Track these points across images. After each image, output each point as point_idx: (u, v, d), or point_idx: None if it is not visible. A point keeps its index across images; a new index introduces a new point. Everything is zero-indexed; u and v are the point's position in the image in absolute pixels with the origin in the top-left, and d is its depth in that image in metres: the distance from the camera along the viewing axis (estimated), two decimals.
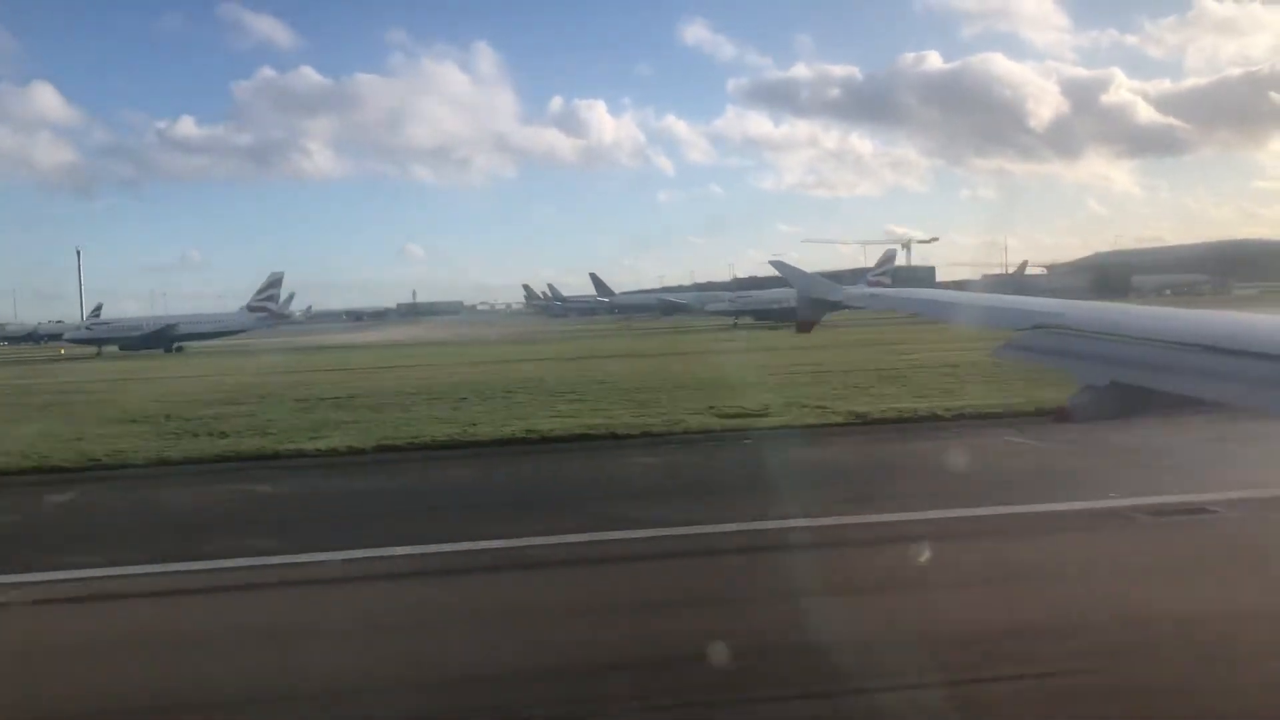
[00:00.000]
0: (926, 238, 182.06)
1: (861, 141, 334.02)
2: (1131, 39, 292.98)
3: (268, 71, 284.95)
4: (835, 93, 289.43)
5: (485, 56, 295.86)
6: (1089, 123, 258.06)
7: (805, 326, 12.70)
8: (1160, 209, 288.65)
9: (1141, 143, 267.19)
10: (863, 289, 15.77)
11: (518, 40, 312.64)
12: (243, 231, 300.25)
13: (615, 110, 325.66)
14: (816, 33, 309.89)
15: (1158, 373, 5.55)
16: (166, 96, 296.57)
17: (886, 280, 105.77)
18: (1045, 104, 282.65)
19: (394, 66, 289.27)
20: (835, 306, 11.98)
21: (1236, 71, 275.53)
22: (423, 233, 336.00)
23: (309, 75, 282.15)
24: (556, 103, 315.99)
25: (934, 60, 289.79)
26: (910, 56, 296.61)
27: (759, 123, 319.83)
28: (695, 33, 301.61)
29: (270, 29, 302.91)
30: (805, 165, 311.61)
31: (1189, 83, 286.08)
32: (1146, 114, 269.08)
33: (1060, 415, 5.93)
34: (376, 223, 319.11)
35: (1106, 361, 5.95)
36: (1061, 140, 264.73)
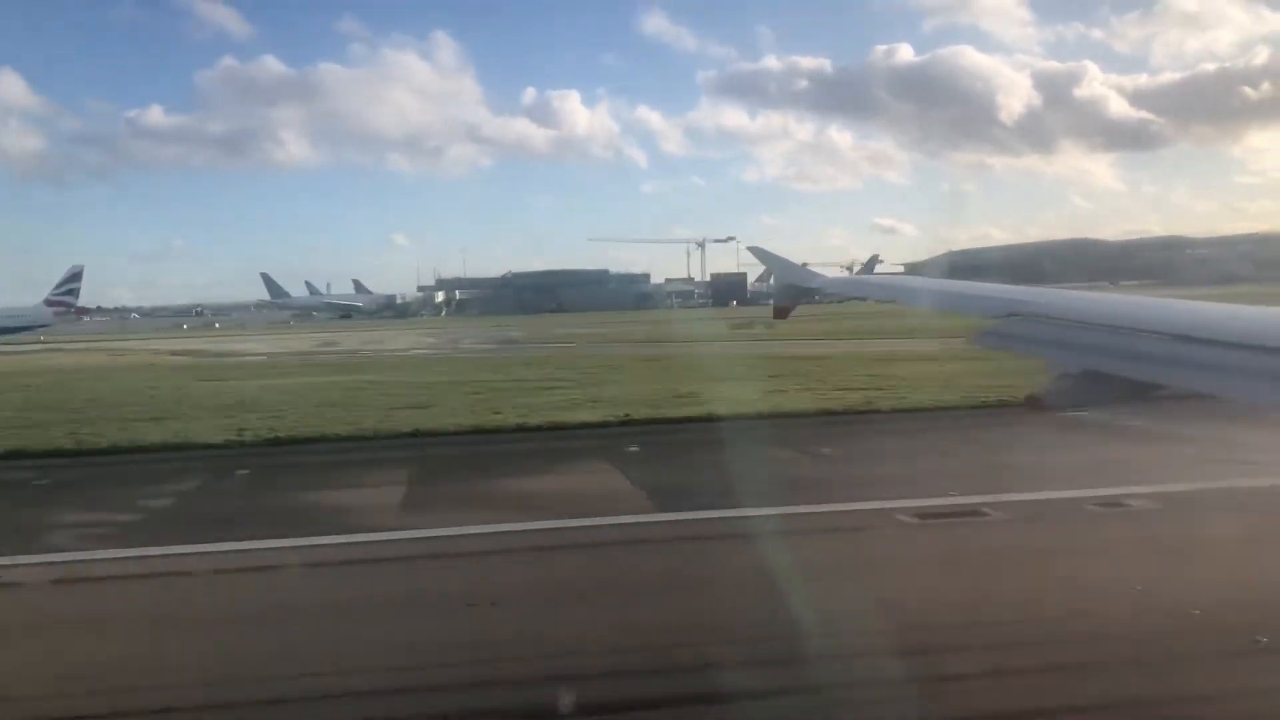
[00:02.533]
0: (724, 237, 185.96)
1: (840, 135, 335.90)
2: (1097, 33, 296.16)
3: (229, 61, 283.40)
4: (807, 85, 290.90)
5: (447, 47, 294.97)
6: (1063, 116, 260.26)
7: (781, 313, 12.60)
8: (1143, 203, 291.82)
9: (1117, 137, 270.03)
10: (840, 275, 15.72)
11: (479, 31, 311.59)
12: (218, 222, 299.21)
13: (589, 101, 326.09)
14: (774, 23, 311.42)
15: (1132, 361, 5.54)
16: (131, 86, 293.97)
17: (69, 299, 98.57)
18: (1018, 97, 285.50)
19: (355, 56, 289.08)
20: (811, 294, 11.89)
21: (1210, 67, 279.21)
22: (400, 223, 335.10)
23: (271, 65, 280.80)
24: (530, 94, 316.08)
25: (905, 53, 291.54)
26: (881, 49, 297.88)
27: (734, 115, 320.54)
28: (655, 23, 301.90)
29: (223, 17, 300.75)
30: (785, 158, 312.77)
31: (1164, 77, 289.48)
32: (1120, 108, 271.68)
33: (1033, 403, 5.90)
34: (352, 213, 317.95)
35: (1081, 349, 5.94)
36: (1036, 134, 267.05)
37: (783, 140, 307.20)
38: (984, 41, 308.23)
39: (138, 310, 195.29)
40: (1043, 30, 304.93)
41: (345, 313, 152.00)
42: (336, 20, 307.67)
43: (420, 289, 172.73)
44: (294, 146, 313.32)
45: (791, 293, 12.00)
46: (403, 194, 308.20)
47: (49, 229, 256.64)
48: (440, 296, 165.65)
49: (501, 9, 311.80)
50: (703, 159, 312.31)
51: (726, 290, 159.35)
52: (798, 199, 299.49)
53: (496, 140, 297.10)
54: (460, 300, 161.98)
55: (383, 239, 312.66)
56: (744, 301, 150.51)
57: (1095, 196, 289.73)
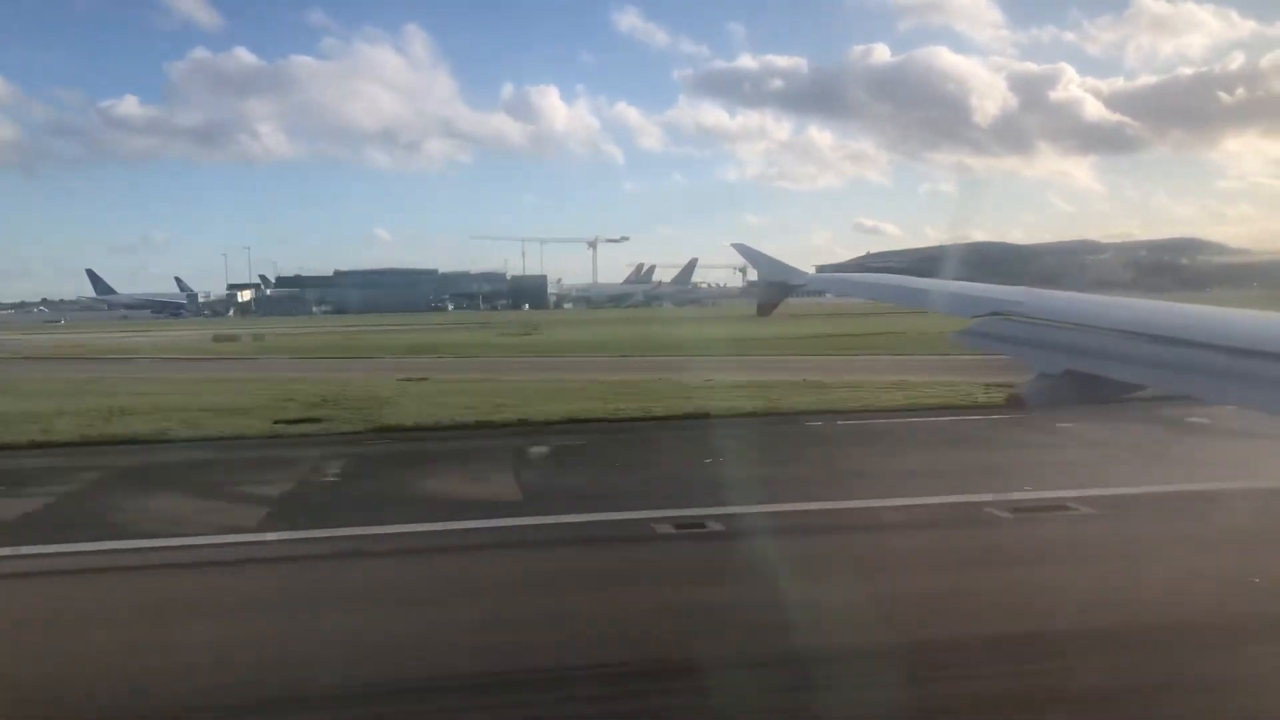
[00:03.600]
0: (618, 237, 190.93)
1: (821, 134, 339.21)
2: (1070, 36, 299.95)
3: (201, 53, 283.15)
4: (785, 85, 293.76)
5: (420, 40, 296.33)
6: (1039, 118, 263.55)
7: (765, 310, 12.55)
8: (1124, 206, 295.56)
9: (1094, 140, 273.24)
10: (826, 274, 15.60)
11: (452, 25, 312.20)
12: (196, 213, 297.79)
13: (568, 98, 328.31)
14: (747, 22, 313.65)
15: (1112, 361, 5.50)
16: (102, 78, 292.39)
17: None
18: (995, 99, 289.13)
19: (328, 49, 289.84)
20: (795, 291, 11.84)
21: (1186, 71, 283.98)
22: (378, 217, 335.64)
23: (243, 57, 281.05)
24: (508, 90, 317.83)
25: (882, 53, 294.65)
26: (859, 49, 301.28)
27: (714, 113, 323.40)
28: (629, 21, 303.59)
29: (192, 8, 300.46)
30: (766, 157, 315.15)
31: (1140, 81, 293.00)
32: (1097, 111, 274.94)
33: (1014, 402, 5.86)
34: (328, 205, 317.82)
35: (1062, 349, 5.89)
36: (1013, 135, 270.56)
37: (763, 139, 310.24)
38: (957, 43, 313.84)
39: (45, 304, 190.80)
40: (1016, 33, 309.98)
41: (175, 311, 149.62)
42: (306, 12, 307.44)
43: (230, 287, 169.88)
44: (270, 139, 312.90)
45: (775, 290, 11.95)
46: (380, 187, 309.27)
47: (22, 220, 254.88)
48: (247, 295, 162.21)
49: (473, 3, 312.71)
50: (684, 156, 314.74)
51: (524, 293, 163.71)
52: (781, 198, 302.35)
53: (474, 135, 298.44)
54: (272, 299, 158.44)
55: (363, 232, 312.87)
56: (540, 305, 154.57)
57: (1077, 199, 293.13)
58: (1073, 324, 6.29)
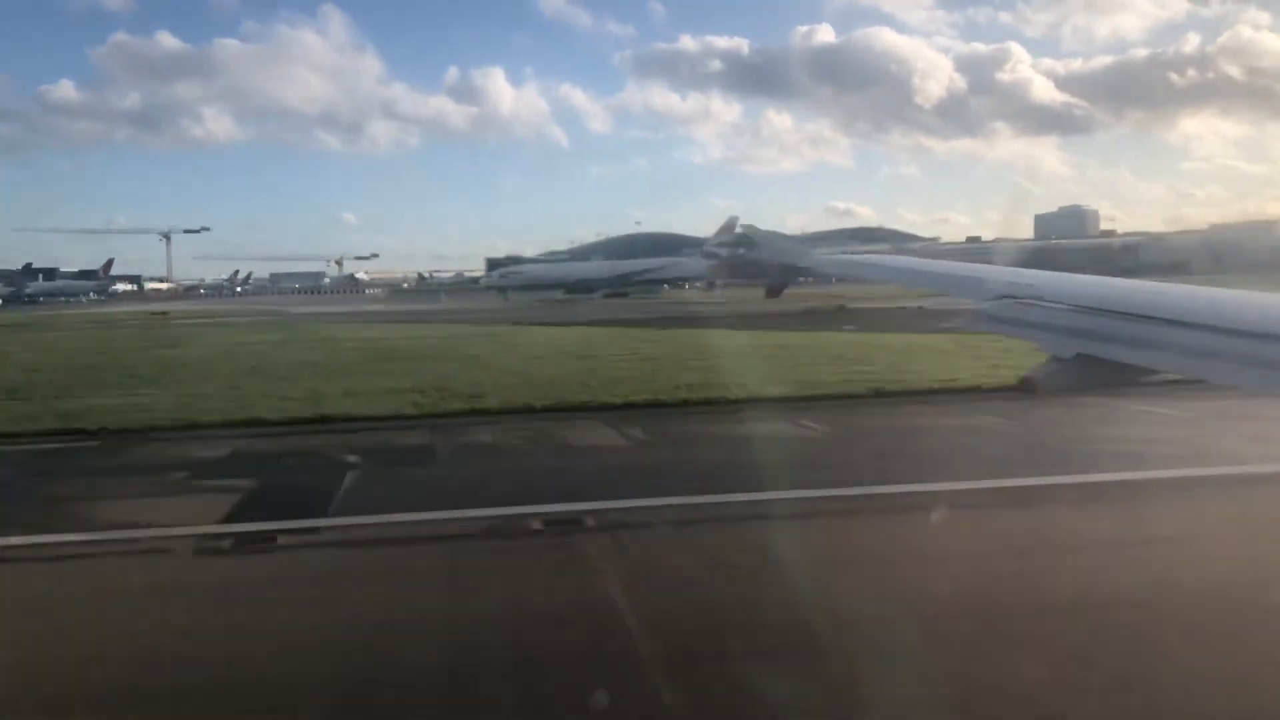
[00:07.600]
0: (197, 228, 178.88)
1: (779, 117, 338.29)
2: (1005, 17, 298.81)
3: (121, 36, 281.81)
4: (726, 66, 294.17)
5: (336, 20, 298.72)
6: (991, 100, 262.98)
7: (775, 291, 12.51)
8: (1092, 188, 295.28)
9: (1049, 121, 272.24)
10: (835, 255, 15.40)
11: (377, 10, 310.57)
12: (149, 198, 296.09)
13: (516, 80, 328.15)
14: (669, 2, 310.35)
15: (1125, 346, 5.45)
16: (28, 62, 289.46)
17: None
18: (940, 80, 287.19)
19: (249, 33, 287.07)
20: (804, 272, 11.79)
21: (1141, 53, 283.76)
22: (335, 203, 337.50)
23: (167, 41, 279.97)
24: (453, 73, 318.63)
25: (825, 34, 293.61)
26: (801, 30, 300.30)
27: (665, 97, 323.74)
28: (550, 3, 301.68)
29: None
30: (724, 140, 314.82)
31: (1095, 61, 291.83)
32: (1047, 92, 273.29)
33: (1025, 387, 5.82)
34: (280, 191, 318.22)
35: (1074, 333, 5.84)
36: (968, 116, 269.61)
37: (719, 122, 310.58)
38: (890, 23, 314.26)
39: None
40: (951, 14, 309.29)
41: None
42: None
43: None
44: (213, 123, 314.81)
45: (783, 272, 11.89)
46: (331, 174, 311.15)
47: None
48: None
49: None
50: (642, 140, 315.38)
51: None
52: (747, 181, 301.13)
53: (414, 118, 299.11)
54: None
55: (325, 216, 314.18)
56: None
57: (1044, 181, 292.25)
58: (1086, 307, 6.24)
